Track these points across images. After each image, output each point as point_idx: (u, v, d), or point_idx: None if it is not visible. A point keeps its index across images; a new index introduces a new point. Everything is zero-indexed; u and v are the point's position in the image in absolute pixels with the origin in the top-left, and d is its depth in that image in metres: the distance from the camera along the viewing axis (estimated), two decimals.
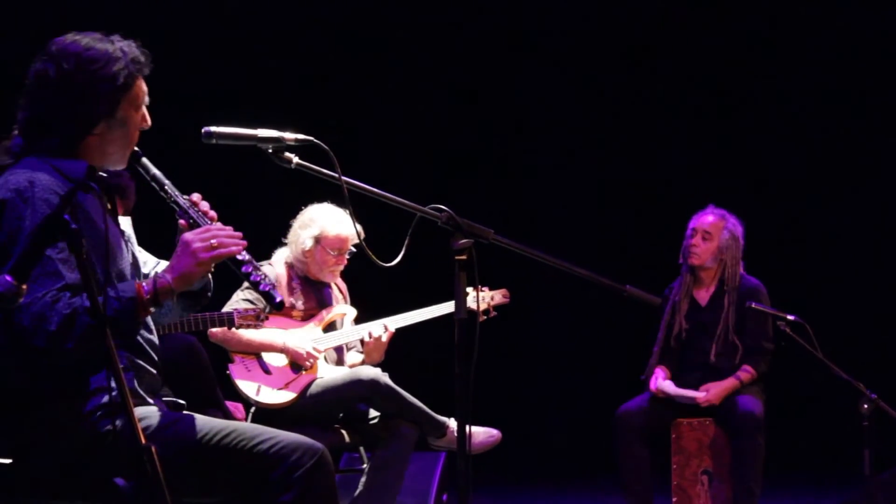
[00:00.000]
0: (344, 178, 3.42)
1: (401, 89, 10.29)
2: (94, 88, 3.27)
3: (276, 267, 5.87)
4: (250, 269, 3.32)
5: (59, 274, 3.09)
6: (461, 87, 10.50)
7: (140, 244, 3.78)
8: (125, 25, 3.42)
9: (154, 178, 3.41)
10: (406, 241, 3.46)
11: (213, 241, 3.22)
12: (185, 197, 3.40)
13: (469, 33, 10.43)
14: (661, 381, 6.48)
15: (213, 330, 5.60)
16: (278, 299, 3.34)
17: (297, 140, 3.45)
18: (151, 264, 3.66)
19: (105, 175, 3.34)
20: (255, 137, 3.43)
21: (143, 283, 3.18)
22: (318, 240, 5.83)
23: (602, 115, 10.73)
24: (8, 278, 2.71)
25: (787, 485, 8.70)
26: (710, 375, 6.48)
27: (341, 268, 5.90)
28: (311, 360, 5.73)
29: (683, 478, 6.44)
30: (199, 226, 3.32)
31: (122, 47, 3.32)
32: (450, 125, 10.49)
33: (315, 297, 5.93)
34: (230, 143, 3.43)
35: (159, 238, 4.24)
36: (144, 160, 3.43)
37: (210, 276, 3.47)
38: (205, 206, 3.41)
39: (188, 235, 3.24)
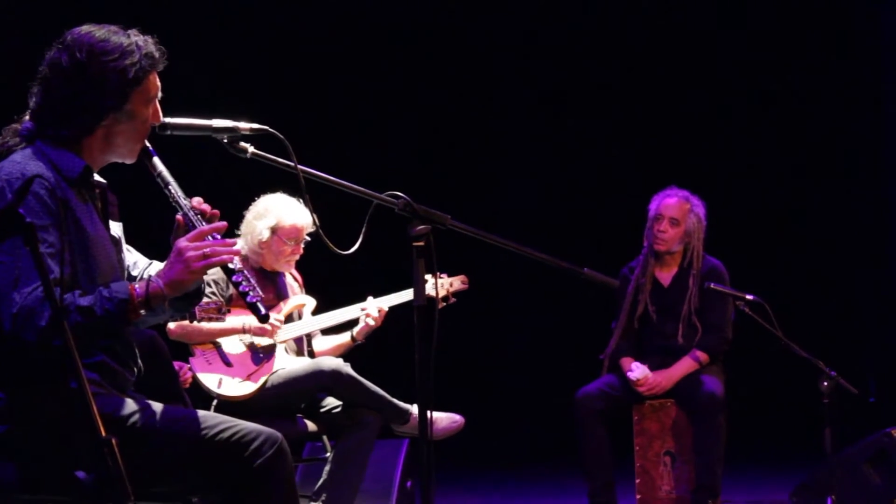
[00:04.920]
0: (300, 166, 3.42)
1: (355, 75, 10.28)
2: (104, 80, 3.26)
3: None
4: (241, 279, 3.32)
5: (49, 268, 3.07)
6: (416, 71, 10.49)
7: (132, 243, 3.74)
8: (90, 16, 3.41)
9: (160, 175, 3.40)
10: (363, 229, 3.46)
11: (206, 249, 3.21)
12: (186, 199, 3.37)
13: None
14: (638, 372, 6.42)
15: (171, 327, 5.58)
16: (263, 312, 3.31)
17: (252, 129, 3.46)
18: (142, 265, 3.63)
19: (103, 182, 3.35)
20: (209, 128, 3.44)
21: (136, 286, 3.18)
22: (274, 230, 5.81)
23: (559, 99, 10.77)
24: None
25: (749, 464, 8.76)
26: (671, 358, 6.48)
27: (297, 257, 5.89)
28: (273, 330, 5.70)
29: (646, 459, 6.46)
30: (195, 229, 3.30)
31: (138, 42, 3.32)
32: (406, 111, 10.48)
33: (272, 288, 5.90)
34: (184, 134, 3.43)
35: (151, 236, 4.22)
36: (156, 160, 3.41)
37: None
38: (206, 208, 3.38)
39: (182, 243, 3.23)
